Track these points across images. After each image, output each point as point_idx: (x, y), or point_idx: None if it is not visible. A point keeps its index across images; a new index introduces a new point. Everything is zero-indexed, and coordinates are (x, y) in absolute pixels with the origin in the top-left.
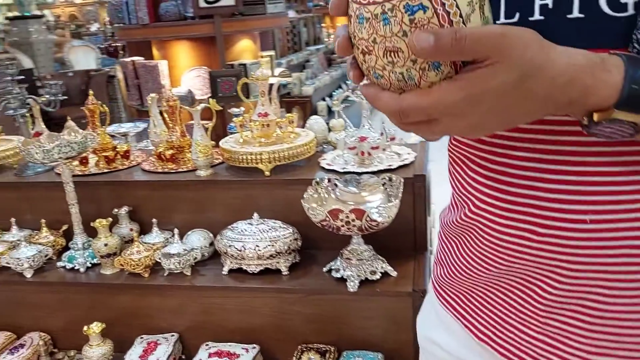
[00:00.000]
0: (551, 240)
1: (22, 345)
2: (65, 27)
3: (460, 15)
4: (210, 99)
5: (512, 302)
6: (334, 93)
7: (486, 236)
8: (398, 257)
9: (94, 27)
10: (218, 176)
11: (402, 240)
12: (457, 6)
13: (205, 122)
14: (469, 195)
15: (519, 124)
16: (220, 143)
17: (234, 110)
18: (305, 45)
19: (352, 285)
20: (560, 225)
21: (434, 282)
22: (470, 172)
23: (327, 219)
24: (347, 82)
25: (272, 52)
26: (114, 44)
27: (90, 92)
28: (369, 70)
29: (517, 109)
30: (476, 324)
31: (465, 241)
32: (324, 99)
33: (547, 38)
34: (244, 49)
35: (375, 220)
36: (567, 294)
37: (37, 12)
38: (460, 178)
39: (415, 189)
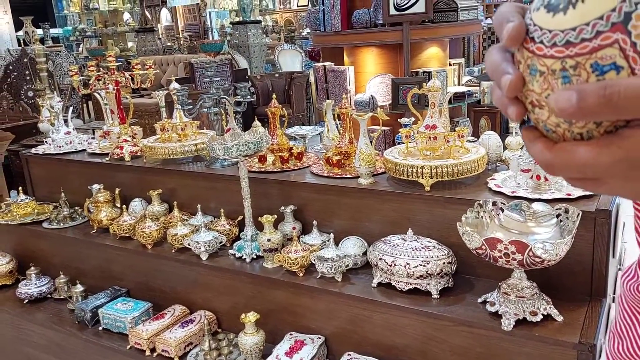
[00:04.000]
0: None
1: (191, 321)
2: (280, 32)
3: None
4: (379, 109)
5: None
6: None
7: None
8: (567, 300)
9: (305, 32)
10: (378, 186)
11: (575, 282)
12: None
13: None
14: None
15: None
16: (384, 153)
17: (404, 120)
18: None
19: (507, 324)
20: None
21: (610, 356)
22: None
23: (484, 247)
24: None
25: (461, 60)
26: (316, 49)
27: (274, 95)
28: (538, 121)
29: None
30: None
31: None
32: None
33: None
34: (432, 57)
35: (539, 257)
36: None
37: (259, 18)
38: None
39: (597, 226)
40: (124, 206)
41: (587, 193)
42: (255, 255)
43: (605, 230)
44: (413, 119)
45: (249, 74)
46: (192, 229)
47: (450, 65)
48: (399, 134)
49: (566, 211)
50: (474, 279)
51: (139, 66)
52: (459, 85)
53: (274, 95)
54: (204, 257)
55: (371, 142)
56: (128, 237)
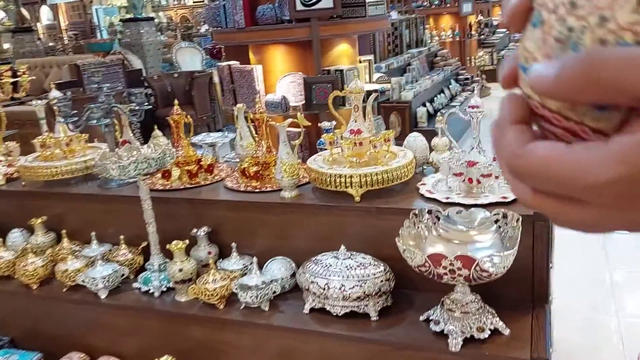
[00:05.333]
0: None
1: None
2: (177, 29)
3: None
4: (299, 114)
5: None
6: (435, 98)
7: None
8: (511, 309)
9: (203, 29)
10: (303, 199)
11: (516, 289)
12: None
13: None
14: None
15: None
16: (308, 161)
17: (325, 124)
18: (407, 47)
19: (454, 344)
20: None
21: None
22: None
23: (427, 264)
24: (449, 86)
25: (370, 57)
26: (217, 46)
27: (176, 101)
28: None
29: None
30: None
31: None
32: (424, 105)
33: None
34: (342, 54)
35: (486, 271)
36: None
37: (152, 15)
38: None
39: (536, 230)
40: (0, 240)
41: None
42: (165, 287)
43: (545, 233)
44: (334, 122)
45: (144, 74)
46: (87, 262)
47: (360, 62)
48: (322, 138)
49: (504, 216)
50: (413, 293)
51: (9, 73)
52: (370, 82)
53: (176, 101)
54: (102, 294)
55: (293, 150)
56: (7, 277)
